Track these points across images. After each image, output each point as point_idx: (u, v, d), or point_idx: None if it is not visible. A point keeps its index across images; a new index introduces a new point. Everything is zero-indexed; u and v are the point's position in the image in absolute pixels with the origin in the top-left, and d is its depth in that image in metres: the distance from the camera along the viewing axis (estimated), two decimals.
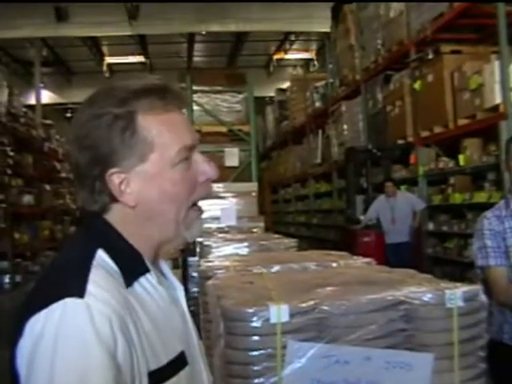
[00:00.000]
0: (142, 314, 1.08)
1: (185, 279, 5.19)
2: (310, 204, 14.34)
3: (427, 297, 1.64)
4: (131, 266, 1.12)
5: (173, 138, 1.13)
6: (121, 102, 1.10)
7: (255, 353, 1.57)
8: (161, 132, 1.12)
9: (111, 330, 0.99)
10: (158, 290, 1.15)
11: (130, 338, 1.03)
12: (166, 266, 1.25)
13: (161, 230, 1.16)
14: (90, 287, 1.01)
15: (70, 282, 1.03)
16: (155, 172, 1.12)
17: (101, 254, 1.09)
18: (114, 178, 1.11)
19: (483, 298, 1.70)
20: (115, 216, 1.14)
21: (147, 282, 1.13)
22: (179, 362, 1.12)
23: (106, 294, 1.02)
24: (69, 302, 0.99)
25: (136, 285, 1.11)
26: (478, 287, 1.72)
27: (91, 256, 1.08)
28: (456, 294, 1.64)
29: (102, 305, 1.00)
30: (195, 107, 9.17)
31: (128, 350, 1.02)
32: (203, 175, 1.17)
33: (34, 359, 0.98)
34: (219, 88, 9.31)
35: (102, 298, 1.01)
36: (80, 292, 1.00)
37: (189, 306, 1.27)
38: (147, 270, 1.14)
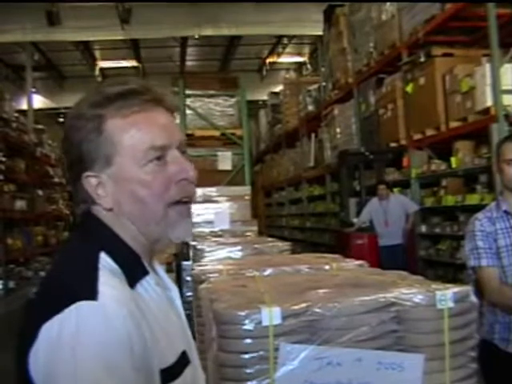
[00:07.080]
0: (148, 314, 1.09)
1: (179, 283, 5.18)
2: (303, 207, 14.35)
3: (418, 298, 1.64)
4: (132, 268, 1.12)
5: (140, 138, 1.12)
6: (93, 106, 1.12)
7: (247, 356, 1.57)
8: (127, 134, 1.12)
9: (127, 329, 1.00)
10: (157, 292, 1.16)
11: (144, 337, 1.03)
12: (160, 268, 1.26)
13: (141, 231, 1.16)
14: (102, 288, 1.02)
15: (80, 284, 1.03)
16: (124, 174, 1.12)
17: (104, 257, 1.09)
18: (90, 180, 1.13)
19: (474, 298, 1.71)
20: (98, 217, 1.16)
21: (147, 284, 1.14)
22: (183, 361, 1.14)
23: (119, 294, 1.03)
24: (83, 305, 0.99)
25: (138, 286, 1.12)
26: (468, 288, 1.73)
27: (96, 258, 1.08)
28: (446, 295, 1.65)
29: (116, 304, 1.01)
30: (188, 111, 9.18)
31: (143, 348, 1.03)
32: (179, 174, 1.15)
33: (53, 363, 0.97)
34: (212, 92, 9.31)
35: (116, 297, 1.01)
36: (92, 294, 1.00)
37: (184, 310, 1.28)
38: (146, 272, 1.15)
